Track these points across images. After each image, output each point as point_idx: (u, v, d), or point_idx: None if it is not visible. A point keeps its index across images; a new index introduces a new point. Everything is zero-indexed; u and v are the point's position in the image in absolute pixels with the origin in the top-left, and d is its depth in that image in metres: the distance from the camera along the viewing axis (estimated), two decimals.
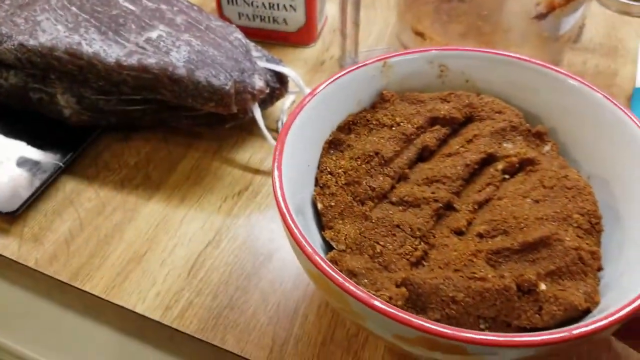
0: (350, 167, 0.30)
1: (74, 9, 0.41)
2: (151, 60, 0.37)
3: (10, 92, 0.42)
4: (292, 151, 0.29)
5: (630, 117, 0.28)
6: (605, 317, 0.21)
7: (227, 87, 0.36)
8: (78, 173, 0.42)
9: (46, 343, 0.34)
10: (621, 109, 0.28)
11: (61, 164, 0.41)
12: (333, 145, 0.32)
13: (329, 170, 0.31)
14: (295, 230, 0.24)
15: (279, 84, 0.41)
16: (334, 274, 0.22)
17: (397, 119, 0.32)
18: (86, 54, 0.38)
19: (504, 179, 0.30)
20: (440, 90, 0.34)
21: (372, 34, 0.54)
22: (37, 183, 0.39)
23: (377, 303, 0.21)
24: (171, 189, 0.40)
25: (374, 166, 0.30)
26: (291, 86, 0.43)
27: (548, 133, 0.32)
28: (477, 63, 0.32)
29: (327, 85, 0.31)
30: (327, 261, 0.23)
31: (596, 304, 0.25)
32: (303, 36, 0.51)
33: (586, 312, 0.24)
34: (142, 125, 0.43)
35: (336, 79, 0.31)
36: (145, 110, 0.40)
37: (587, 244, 0.26)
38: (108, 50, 0.38)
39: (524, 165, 0.30)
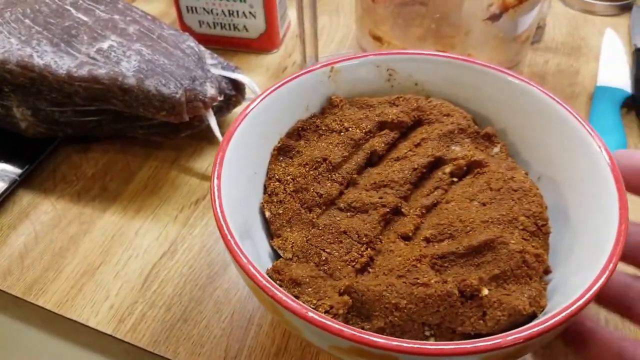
0: (298, 174, 0.30)
1: (27, 21, 0.40)
2: (101, 71, 0.36)
3: None
4: (237, 158, 0.28)
5: (575, 117, 0.28)
6: (544, 322, 0.21)
7: (178, 96, 0.35)
8: (35, 185, 0.41)
9: (4, 358, 0.33)
10: (565, 107, 0.28)
11: (17, 177, 0.40)
12: (282, 151, 0.32)
13: (277, 177, 0.30)
14: (231, 241, 0.23)
15: (235, 91, 0.40)
16: (267, 284, 0.22)
17: (346, 124, 0.32)
18: (37, 66, 0.37)
19: (452, 182, 0.30)
20: (389, 94, 0.33)
21: (335, 39, 0.53)
22: None
23: (310, 314, 0.21)
24: (128, 200, 0.40)
25: (321, 172, 0.30)
26: (249, 93, 0.42)
27: (497, 134, 0.31)
28: (423, 65, 0.32)
29: (273, 90, 0.31)
30: (262, 273, 0.23)
31: (542, 308, 0.24)
32: (264, 42, 0.51)
33: (532, 316, 0.24)
34: (99, 136, 0.42)
35: (282, 84, 0.31)
36: (100, 121, 0.40)
37: (532, 246, 0.26)
38: (59, 61, 0.37)
39: (472, 168, 0.30)
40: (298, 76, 0.31)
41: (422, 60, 0.32)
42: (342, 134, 0.31)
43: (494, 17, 0.39)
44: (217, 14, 0.49)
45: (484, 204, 0.28)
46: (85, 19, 0.40)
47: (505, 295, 0.24)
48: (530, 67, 0.47)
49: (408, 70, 0.33)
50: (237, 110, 0.43)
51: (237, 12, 0.49)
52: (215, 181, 0.26)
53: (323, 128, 0.32)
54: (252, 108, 0.30)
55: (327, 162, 0.30)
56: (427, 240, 0.27)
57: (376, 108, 0.32)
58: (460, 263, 0.26)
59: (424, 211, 0.29)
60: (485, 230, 0.26)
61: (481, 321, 0.24)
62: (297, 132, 0.32)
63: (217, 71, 0.40)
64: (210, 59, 0.41)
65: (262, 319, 0.33)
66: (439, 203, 0.29)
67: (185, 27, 0.51)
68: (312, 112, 0.33)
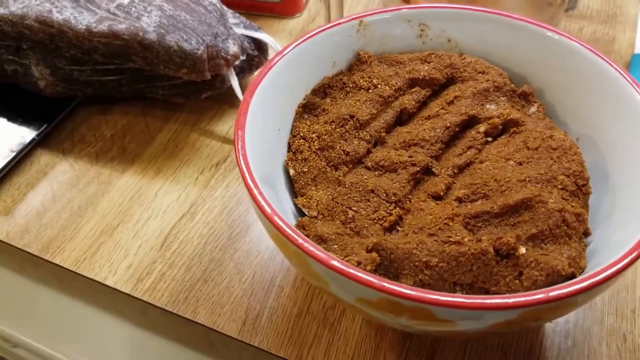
0: (324, 132, 0.29)
1: None
2: (121, 26, 0.35)
3: None
4: (260, 114, 0.27)
5: (620, 73, 0.26)
6: (586, 279, 0.19)
7: (199, 52, 0.34)
8: (53, 146, 0.40)
9: (20, 318, 0.33)
10: (609, 63, 0.26)
11: (35, 136, 0.39)
12: (307, 109, 0.30)
13: (301, 135, 0.29)
14: (255, 191, 0.22)
15: (257, 51, 0.39)
16: (292, 234, 0.21)
17: (374, 81, 0.30)
18: (56, 21, 0.36)
19: (487, 142, 0.29)
20: (421, 51, 0.32)
21: (361, 3, 0.52)
22: (10, 156, 0.38)
23: (335, 263, 0.20)
24: (147, 162, 0.39)
25: (348, 130, 0.29)
26: (272, 53, 0.41)
27: (534, 94, 0.30)
28: (458, 21, 0.31)
29: (298, 44, 0.29)
30: (290, 225, 0.22)
31: (582, 269, 0.23)
32: (288, 6, 0.49)
33: (571, 277, 0.23)
34: (119, 97, 0.41)
35: (308, 37, 0.30)
36: (120, 81, 0.39)
37: (572, 206, 0.24)
38: (79, 17, 0.36)
39: (507, 127, 0.28)
40: (324, 30, 0.30)
41: (456, 15, 0.31)
42: (370, 91, 0.30)
43: None
44: None
45: (520, 163, 0.26)
46: None
47: (543, 255, 0.23)
48: None
49: (441, 26, 0.31)
50: None
51: None
52: (239, 132, 0.25)
53: (350, 85, 0.31)
54: (276, 62, 0.29)
55: (354, 119, 0.29)
56: (459, 200, 0.26)
57: (407, 65, 0.31)
58: (495, 223, 0.25)
59: (456, 171, 0.27)
60: (522, 189, 0.25)
61: (517, 281, 0.23)
62: (323, 89, 0.31)
63: (240, 30, 0.38)
64: (232, 17, 0.39)
65: (284, 280, 0.32)
66: (472, 163, 0.28)
67: None
68: (339, 68, 0.32)
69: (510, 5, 0.41)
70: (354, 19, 0.31)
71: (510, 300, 0.19)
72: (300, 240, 0.21)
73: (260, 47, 0.39)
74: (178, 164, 0.38)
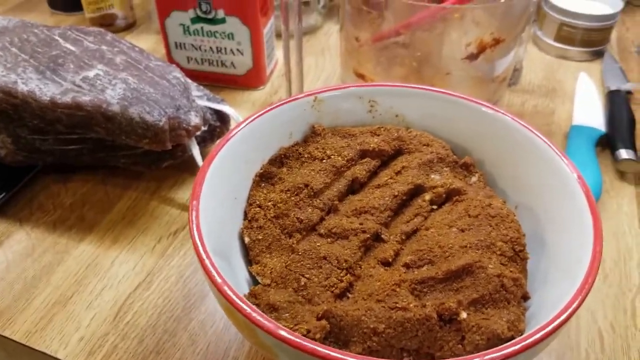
0: (279, 200, 0.30)
1: (14, 49, 0.41)
2: (85, 98, 0.36)
3: None
4: (217, 183, 0.28)
5: (550, 145, 0.28)
6: (520, 341, 0.20)
7: (161, 123, 0.35)
8: (11, 214, 0.40)
9: None
10: (540, 137, 0.29)
11: None
12: (264, 178, 0.32)
13: (258, 203, 0.30)
14: (207, 261, 0.23)
15: (219, 122, 0.41)
16: (240, 303, 0.21)
17: (328, 152, 0.32)
18: (21, 92, 0.37)
19: (432, 210, 0.30)
20: (371, 125, 0.34)
21: (321, 78, 0.55)
22: None
23: (282, 333, 0.20)
24: (105, 230, 0.39)
25: (302, 198, 0.30)
26: (234, 124, 0.43)
27: (475, 164, 0.32)
28: (404, 98, 0.33)
29: (257, 117, 0.31)
30: (239, 295, 0.22)
31: (520, 332, 0.24)
32: (251, 79, 0.52)
33: (510, 340, 0.24)
34: (80, 165, 0.42)
35: (266, 111, 0.31)
36: (81, 150, 0.40)
37: (510, 271, 0.26)
38: (44, 88, 0.37)
39: (451, 196, 0.30)
40: (282, 104, 0.32)
41: (402, 93, 0.33)
42: (324, 161, 0.32)
43: (472, 57, 0.40)
44: (205, 51, 0.50)
45: (462, 230, 0.28)
46: (72, 48, 0.40)
47: (483, 319, 0.24)
48: (509, 107, 0.48)
49: (389, 102, 0.34)
50: None
51: (225, 48, 0.50)
52: (194, 202, 0.26)
53: (306, 155, 0.32)
54: (235, 133, 0.30)
55: (308, 188, 0.30)
56: (407, 265, 0.27)
57: (358, 137, 0.33)
58: (439, 288, 0.25)
59: (404, 237, 0.29)
60: (463, 255, 0.26)
61: (460, 345, 0.23)
62: (280, 159, 0.32)
63: (203, 102, 0.40)
64: (196, 90, 0.41)
65: (239, 351, 0.32)
66: (418, 230, 0.29)
67: (173, 63, 0.52)
68: (296, 139, 0.33)
69: (455, 81, 0.44)
70: (309, 95, 0.33)
71: None
72: (249, 310, 0.21)
73: (222, 118, 0.41)
74: (136, 233, 0.39)
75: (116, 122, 0.36)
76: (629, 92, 0.48)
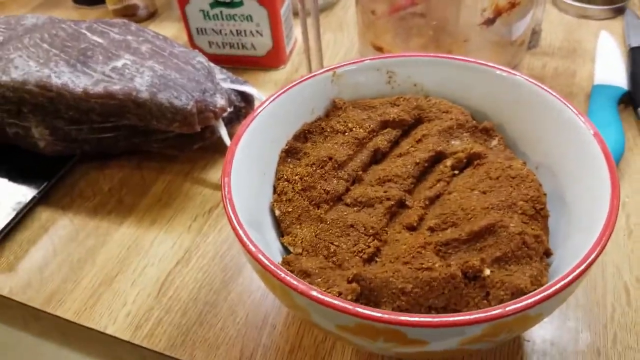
0: (306, 173, 0.31)
1: (45, 45, 0.43)
2: (116, 87, 0.38)
3: None
4: (246, 160, 0.30)
5: (567, 106, 0.29)
6: (539, 292, 0.21)
7: (189, 107, 0.37)
8: (53, 202, 0.43)
9: None
10: (558, 98, 0.29)
11: (36, 194, 0.42)
12: (290, 153, 0.33)
13: (285, 177, 0.32)
14: (241, 232, 0.25)
15: (244, 102, 0.42)
16: (275, 269, 0.23)
17: (350, 125, 0.33)
18: (55, 85, 0.39)
19: (454, 175, 0.31)
20: (391, 95, 0.35)
21: (339, 54, 0.55)
22: (12, 214, 0.40)
23: (314, 293, 0.22)
24: (143, 212, 0.41)
25: (328, 170, 0.31)
26: (257, 104, 0.44)
27: (494, 128, 0.32)
28: (420, 66, 0.34)
29: (279, 95, 0.32)
30: (274, 262, 0.24)
31: (541, 285, 0.25)
32: (272, 59, 0.53)
33: None
34: (116, 152, 0.44)
35: (288, 89, 0.32)
36: (116, 137, 0.42)
37: (532, 228, 0.27)
38: (76, 80, 0.39)
39: (471, 160, 0.31)
40: (302, 81, 0.33)
41: (418, 62, 0.34)
42: (346, 134, 0.33)
43: (489, 22, 0.40)
44: (226, 34, 0.52)
45: (484, 192, 0.29)
46: (100, 40, 0.42)
47: (507, 275, 0.25)
48: (529, 71, 0.48)
49: (407, 72, 0.34)
50: None
51: (245, 31, 0.51)
52: (225, 179, 0.27)
53: (328, 130, 0.33)
54: (259, 112, 0.31)
55: (332, 160, 0.31)
56: (431, 229, 0.28)
57: (378, 109, 0.34)
58: (463, 248, 0.27)
59: (427, 203, 0.30)
60: (485, 216, 0.27)
61: (485, 301, 0.24)
62: (304, 135, 0.34)
63: (227, 85, 0.42)
64: (219, 73, 0.42)
65: (276, 318, 0.34)
66: (441, 194, 0.30)
67: (196, 49, 0.53)
68: (318, 114, 0.34)
69: (474, 47, 0.44)
70: (327, 70, 0.34)
71: (472, 317, 0.20)
72: (283, 275, 0.23)
73: (246, 98, 0.42)
74: (172, 213, 0.41)
75: (146, 108, 0.38)
76: None
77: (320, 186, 0.30)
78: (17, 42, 0.43)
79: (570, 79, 0.48)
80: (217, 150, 0.45)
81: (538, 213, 0.27)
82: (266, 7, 0.49)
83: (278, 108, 0.32)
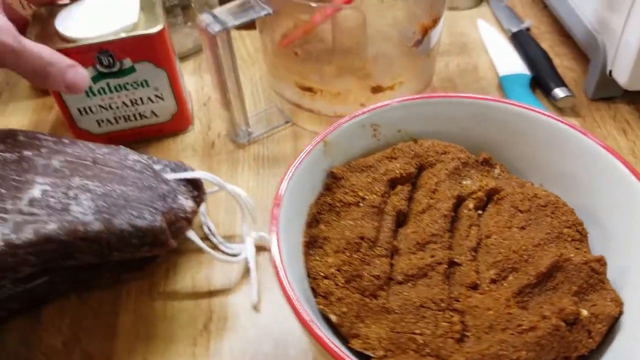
0: (341, 262, 0.28)
1: None
2: (51, 226, 0.30)
3: None
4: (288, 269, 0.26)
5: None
6: None
7: (158, 223, 0.31)
8: None
9: None
10: (526, 108, 0.31)
11: None
12: (310, 245, 0.30)
13: (322, 274, 0.28)
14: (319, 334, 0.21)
15: (195, 190, 0.36)
16: None
17: (360, 194, 0.31)
18: None
19: (480, 215, 0.31)
20: (377, 147, 0.33)
21: (245, 96, 0.51)
22: None
23: None
24: (125, 357, 0.33)
25: (365, 252, 0.29)
26: (208, 186, 0.38)
27: (492, 157, 0.33)
28: (401, 111, 0.33)
29: (288, 183, 0.29)
30: None
31: (622, 305, 0.27)
32: (178, 123, 0.46)
33: (619, 316, 0.26)
34: (53, 298, 0.35)
35: (292, 175, 0.29)
36: (52, 281, 0.33)
37: (585, 252, 0.28)
38: None
39: (490, 196, 0.31)
40: (302, 161, 0.30)
41: (398, 107, 0.33)
42: (360, 205, 0.30)
43: (418, 43, 0.41)
44: (118, 107, 0.44)
45: (522, 228, 0.29)
46: None
47: (593, 306, 0.26)
48: (437, 75, 0.50)
49: (389, 121, 0.33)
50: (201, 208, 0.38)
51: (141, 99, 0.43)
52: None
53: (338, 205, 0.31)
54: (282, 203, 0.28)
55: (365, 239, 0.29)
56: (493, 281, 0.28)
57: (377, 167, 0.32)
58: (536, 292, 0.27)
59: (473, 254, 0.29)
60: (542, 252, 0.28)
61: (590, 340, 0.25)
62: (315, 219, 0.30)
63: (170, 175, 0.35)
64: (155, 165, 0.36)
65: None
66: (480, 240, 0.30)
67: (80, 133, 0.44)
68: (317, 192, 0.31)
69: (394, 66, 0.44)
70: (318, 142, 0.31)
71: None
72: None
73: (195, 184, 0.36)
74: (163, 346, 0.34)
75: (103, 242, 0.30)
76: (527, 29, 0.53)
77: (367, 272, 0.28)
78: None
79: (474, 74, 0.51)
80: (171, 251, 0.38)
81: (581, 234, 0.29)
82: (164, 69, 0.42)
83: (289, 199, 0.29)
